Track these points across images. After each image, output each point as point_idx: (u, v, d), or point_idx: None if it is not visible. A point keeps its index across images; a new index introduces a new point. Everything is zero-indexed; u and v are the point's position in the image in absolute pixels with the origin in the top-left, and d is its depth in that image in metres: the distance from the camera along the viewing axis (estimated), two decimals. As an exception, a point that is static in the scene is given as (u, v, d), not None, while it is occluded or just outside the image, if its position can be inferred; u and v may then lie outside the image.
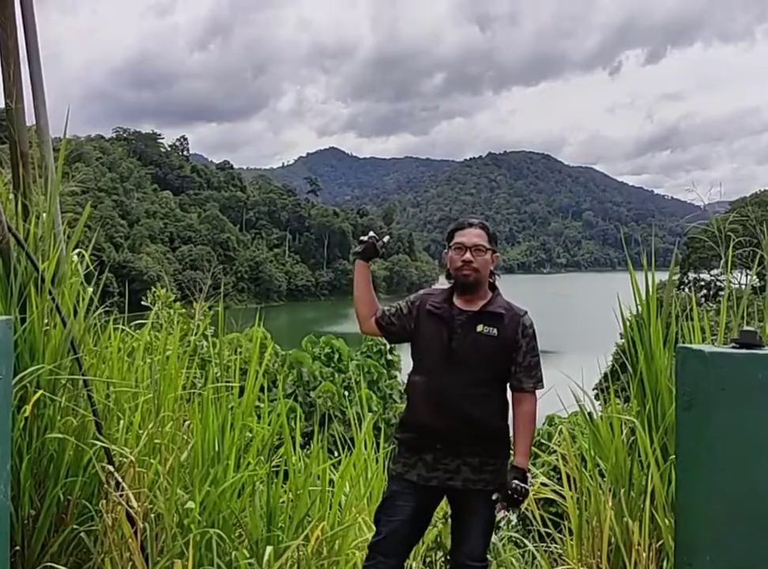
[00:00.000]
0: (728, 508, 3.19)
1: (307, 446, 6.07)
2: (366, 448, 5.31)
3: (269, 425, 4.88)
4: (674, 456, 3.78)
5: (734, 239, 5.26)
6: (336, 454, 5.51)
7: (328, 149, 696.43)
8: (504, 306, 4.00)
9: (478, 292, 3.98)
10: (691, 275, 77.75)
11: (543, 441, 11.18)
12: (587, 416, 5.04)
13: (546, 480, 5.14)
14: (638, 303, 4.80)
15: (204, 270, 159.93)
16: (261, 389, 6.29)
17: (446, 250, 4.04)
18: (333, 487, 4.87)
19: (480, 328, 3.85)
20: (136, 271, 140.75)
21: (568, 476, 4.72)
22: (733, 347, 3.34)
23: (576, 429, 12.04)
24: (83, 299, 4.66)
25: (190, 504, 3.99)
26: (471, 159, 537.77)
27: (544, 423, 11.77)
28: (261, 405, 5.22)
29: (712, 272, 77.95)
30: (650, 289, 4.84)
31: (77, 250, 4.83)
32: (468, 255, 3.91)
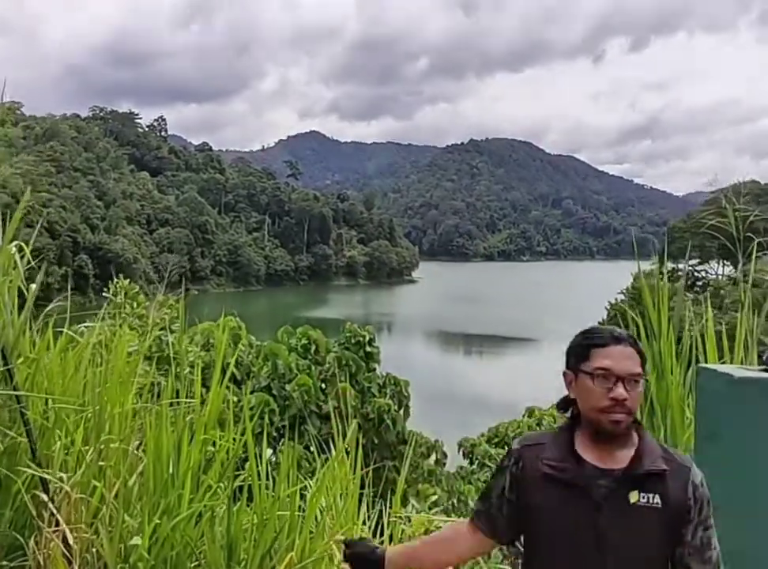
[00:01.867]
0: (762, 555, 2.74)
1: (282, 442, 5.64)
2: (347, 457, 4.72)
3: (234, 439, 4.24)
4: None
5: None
6: (312, 450, 4.99)
7: (309, 133, 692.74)
8: (662, 455, 2.56)
9: (625, 442, 2.58)
10: (670, 265, 78.20)
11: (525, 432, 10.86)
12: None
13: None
14: (648, 312, 4.25)
15: (181, 253, 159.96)
16: (236, 381, 5.90)
17: (570, 372, 2.65)
18: (304, 508, 4.33)
19: (635, 497, 2.48)
20: (112, 253, 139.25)
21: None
22: (764, 369, 2.90)
23: (557, 423, 11.75)
24: (27, 296, 4.05)
25: (137, 540, 3.44)
26: (453, 145, 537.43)
27: (523, 416, 11.40)
28: (226, 413, 4.64)
29: (690, 262, 78.47)
30: (662, 297, 4.31)
31: (15, 243, 4.17)
32: (621, 390, 2.51)
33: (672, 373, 3.76)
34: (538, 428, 10.23)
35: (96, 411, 3.78)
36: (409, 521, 4.58)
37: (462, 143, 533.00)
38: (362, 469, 4.62)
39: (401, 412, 6.40)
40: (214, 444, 4.27)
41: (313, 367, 6.11)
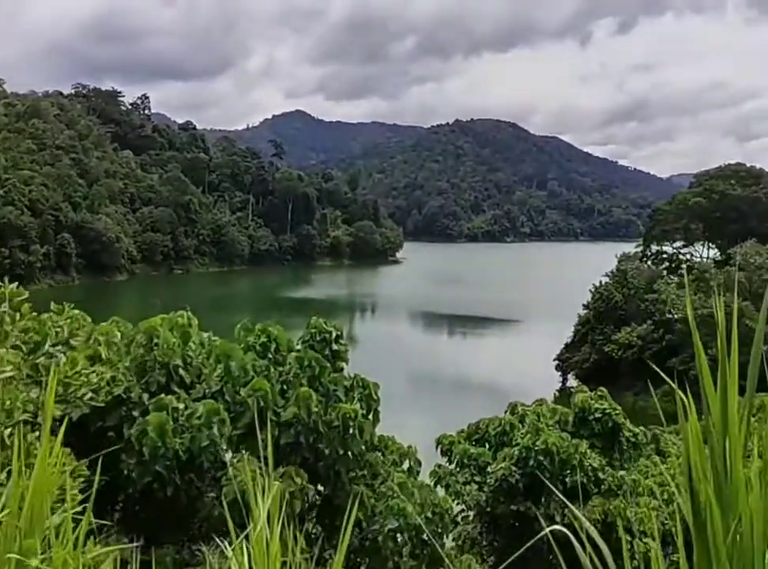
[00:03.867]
0: None
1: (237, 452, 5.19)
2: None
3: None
4: None
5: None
6: (264, 464, 4.46)
7: (294, 112, 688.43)
8: None
9: None
10: (654, 247, 78.10)
11: (507, 430, 10.43)
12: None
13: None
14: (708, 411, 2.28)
15: (164, 233, 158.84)
16: (184, 386, 5.38)
17: None
18: None
19: None
20: (95, 232, 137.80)
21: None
22: None
23: (542, 420, 11.39)
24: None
25: None
26: (438, 125, 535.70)
27: (506, 412, 11.00)
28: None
29: (674, 244, 78.45)
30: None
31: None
32: None
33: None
34: (520, 426, 9.82)
35: None
36: None
37: (448, 124, 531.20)
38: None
39: (371, 417, 5.91)
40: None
41: (272, 369, 5.61)
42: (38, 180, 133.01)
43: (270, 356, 6.12)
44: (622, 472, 9.59)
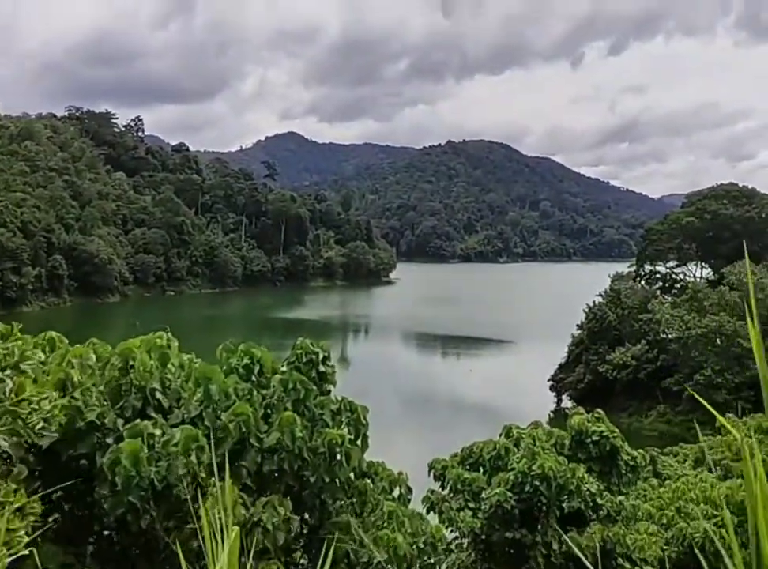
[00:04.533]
0: None
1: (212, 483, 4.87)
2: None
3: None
4: None
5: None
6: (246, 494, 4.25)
7: (287, 134, 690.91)
8: None
9: None
10: (648, 267, 78.06)
11: (502, 454, 10.13)
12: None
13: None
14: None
15: (157, 254, 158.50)
16: (162, 410, 5.08)
17: None
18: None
19: None
20: (87, 254, 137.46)
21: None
22: None
23: (537, 444, 11.12)
24: None
25: None
26: (430, 147, 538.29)
27: (501, 435, 10.70)
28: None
29: (667, 264, 78.45)
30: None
31: None
32: None
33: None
34: (516, 449, 9.54)
35: None
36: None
37: (440, 145, 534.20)
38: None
39: (359, 442, 5.64)
40: None
41: (255, 392, 5.31)
42: (30, 202, 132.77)
43: (254, 378, 5.83)
44: (620, 498, 9.30)
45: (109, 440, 4.68)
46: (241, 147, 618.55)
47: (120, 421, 4.74)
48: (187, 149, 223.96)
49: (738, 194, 73.30)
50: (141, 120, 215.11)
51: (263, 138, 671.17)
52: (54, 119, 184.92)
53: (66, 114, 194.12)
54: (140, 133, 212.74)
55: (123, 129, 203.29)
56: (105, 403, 4.84)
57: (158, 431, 4.65)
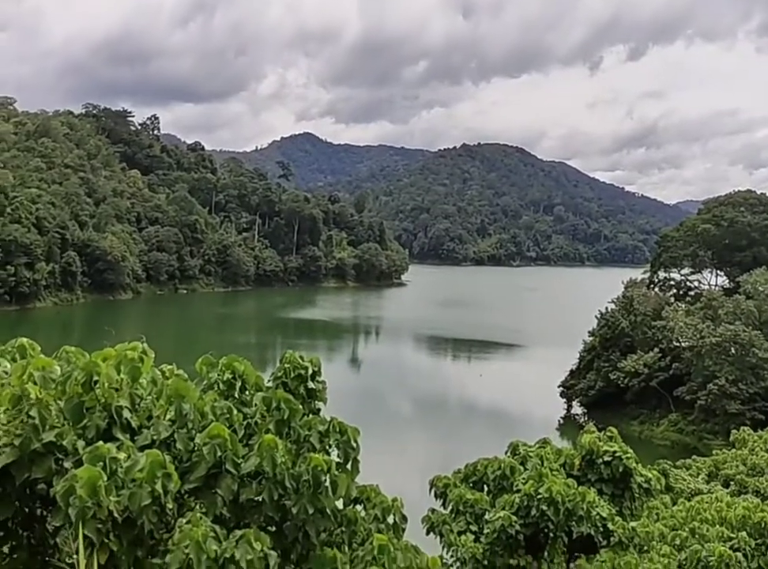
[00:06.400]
0: None
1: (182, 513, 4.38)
2: None
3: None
4: None
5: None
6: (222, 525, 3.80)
7: (302, 134, 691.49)
8: None
9: None
10: (662, 274, 77.22)
11: (507, 474, 9.57)
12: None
13: None
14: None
15: (170, 252, 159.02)
16: (131, 430, 4.62)
17: None
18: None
19: None
20: (100, 250, 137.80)
21: None
22: None
23: (545, 464, 10.55)
24: None
25: None
26: (445, 149, 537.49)
27: (507, 452, 10.15)
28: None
29: (682, 271, 77.58)
30: None
31: None
32: None
33: None
34: (522, 468, 9.02)
35: None
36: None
37: (455, 147, 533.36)
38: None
39: (349, 467, 5.15)
40: None
41: (235, 411, 4.82)
42: (45, 198, 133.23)
43: (236, 395, 5.34)
44: (633, 524, 8.77)
45: (67, 464, 4.23)
46: (256, 147, 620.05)
47: (81, 443, 4.27)
48: (203, 148, 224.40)
49: (755, 201, 72.45)
50: (157, 118, 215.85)
51: (279, 139, 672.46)
52: (70, 116, 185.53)
53: (83, 111, 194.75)
54: (156, 132, 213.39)
55: (139, 127, 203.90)
56: (65, 422, 4.40)
57: (122, 455, 4.18)
